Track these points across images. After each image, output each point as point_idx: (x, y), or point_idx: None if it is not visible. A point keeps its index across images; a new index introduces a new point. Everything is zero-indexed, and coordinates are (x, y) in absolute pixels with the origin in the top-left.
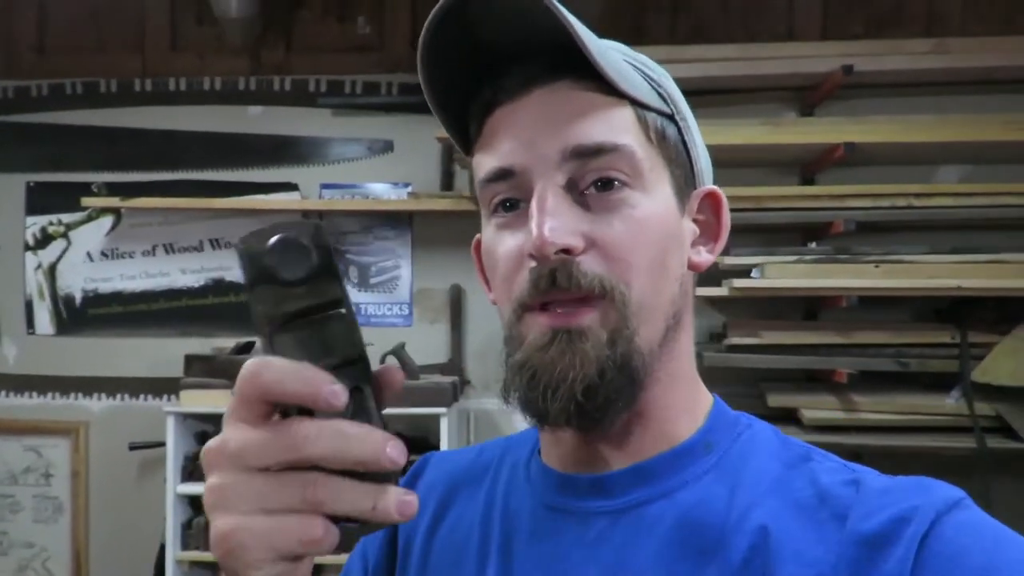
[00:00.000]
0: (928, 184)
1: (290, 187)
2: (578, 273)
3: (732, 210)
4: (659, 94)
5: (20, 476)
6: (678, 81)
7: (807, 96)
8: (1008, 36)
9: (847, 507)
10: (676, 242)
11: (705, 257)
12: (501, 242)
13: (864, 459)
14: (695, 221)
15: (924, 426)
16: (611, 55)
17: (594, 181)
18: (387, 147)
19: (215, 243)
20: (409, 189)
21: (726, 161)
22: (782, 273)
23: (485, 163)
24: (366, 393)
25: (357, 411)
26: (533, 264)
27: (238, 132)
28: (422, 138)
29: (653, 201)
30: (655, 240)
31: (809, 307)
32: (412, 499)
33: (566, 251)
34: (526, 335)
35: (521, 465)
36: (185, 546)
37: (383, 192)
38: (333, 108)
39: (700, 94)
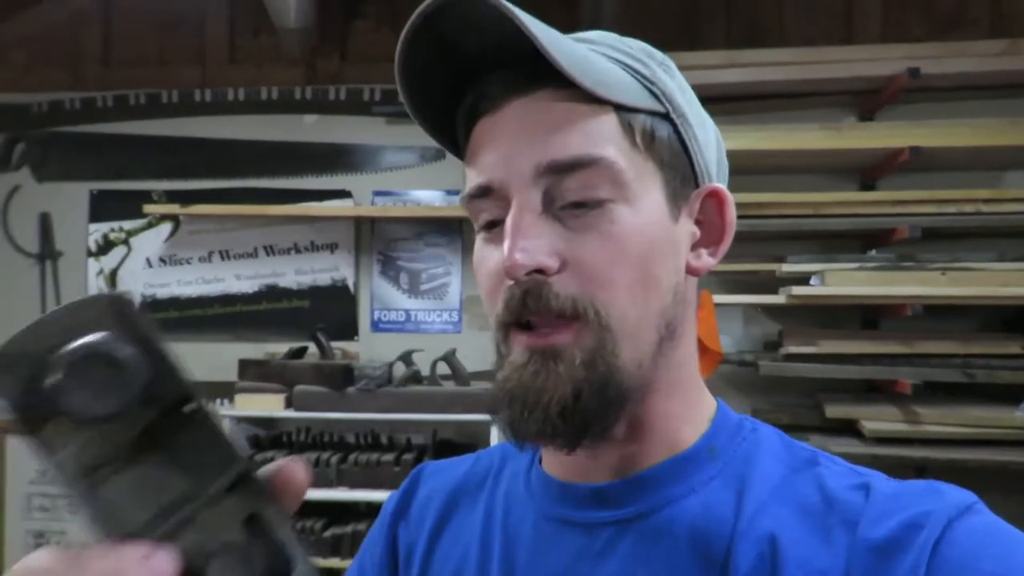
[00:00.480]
0: (997, 190)
1: (344, 194)
2: (549, 294)
3: (790, 216)
4: (651, 91)
5: None
6: (734, 87)
7: (866, 100)
8: None
9: (856, 513)
10: (667, 251)
11: (706, 261)
12: (484, 259)
13: (928, 473)
14: (698, 222)
15: (991, 439)
16: (589, 57)
17: (572, 201)
18: (439, 155)
19: (269, 250)
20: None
21: (784, 167)
22: (844, 281)
23: (469, 178)
24: (266, 516)
25: (253, 543)
26: (509, 283)
27: (293, 140)
28: None
29: (637, 212)
30: (639, 254)
31: (867, 316)
32: None
33: (540, 271)
34: (509, 353)
35: (521, 474)
36: None
37: (434, 199)
38: (387, 116)
39: (757, 98)
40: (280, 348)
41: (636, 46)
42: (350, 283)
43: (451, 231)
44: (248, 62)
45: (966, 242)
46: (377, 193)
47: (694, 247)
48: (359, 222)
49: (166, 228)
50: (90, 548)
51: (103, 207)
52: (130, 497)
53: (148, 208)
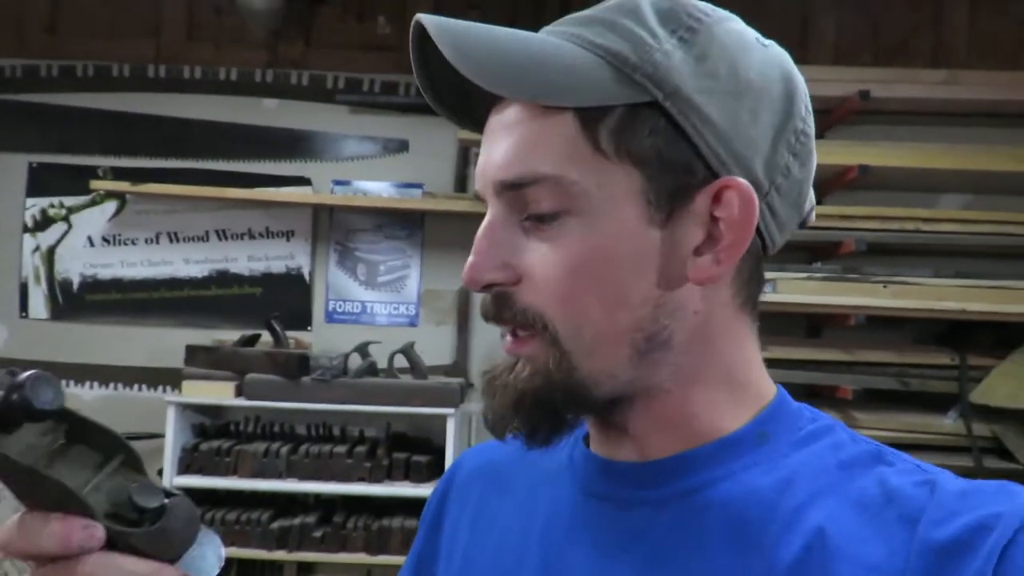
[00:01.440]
0: (935, 210)
1: (302, 181)
2: (507, 305)
3: None
4: (631, 79)
5: None
6: None
7: (818, 119)
8: (1016, 71)
9: (919, 509)
10: (639, 263)
11: (708, 269)
12: None
13: None
14: (715, 220)
15: (924, 444)
16: (539, 59)
17: (528, 215)
18: (402, 147)
19: (221, 234)
20: (423, 189)
21: None
22: (794, 289)
23: None
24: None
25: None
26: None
27: (252, 124)
28: (437, 139)
29: (593, 227)
30: (592, 270)
31: (812, 324)
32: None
33: (498, 283)
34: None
35: (565, 452)
36: None
37: (396, 191)
38: (350, 105)
39: None
40: (229, 335)
41: (646, 11)
42: (305, 272)
43: (412, 224)
44: (207, 40)
45: (905, 258)
46: (337, 182)
47: (698, 251)
48: (317, 210)
49: (111, 206)
50: (37, 518)
51: (43, 181)
52: (63, 476)
53: (95, 184)
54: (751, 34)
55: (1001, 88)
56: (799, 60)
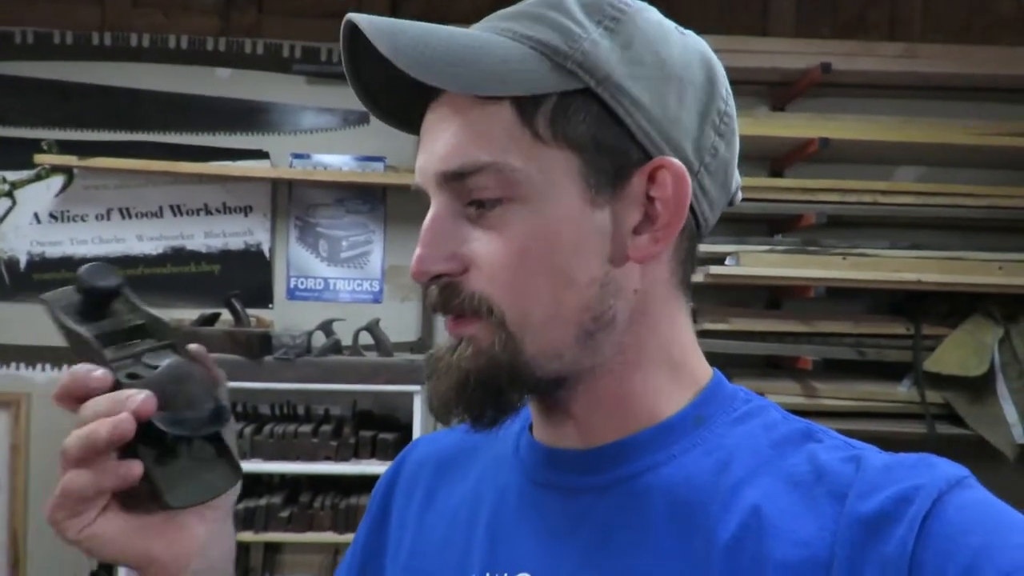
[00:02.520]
0: (892, 182)
1: (260, 155)
2: (455, 293)
3: None
4: (563, 68)
5: None
6: None
7: (779, 92)
8: (968, 45)
9: (846, 485)
10: (583, 244)
11: (646, 248)
12: None
13: None
14: (651, 199)
15: (879, 412)
16: (472, 50)
17: (470, 203)
18: (362, 119)
19: (176, 210)
20: (385, 163)
21: None
22: (756, 262)
23: None
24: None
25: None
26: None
27: (205, 94)
28: None
29: (537, 211)
30: (538, 254)
31: (772, 296)
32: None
33: (446, 274)
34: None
35: (511, 440)
36: None
37: (357, 165)
38: (307, 76)
39: None
40: (187, 314)
41: (570, 4)
42: (265, 248)
43: (374, 198)
44: (154, 6)
45: (863, 231)
46: (296, 156)
47: (637, 231)
48: (276, 185)
49: (58, 181)
50: (96, 371)
51: None
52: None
53: (39, 158)
54: (669, 23)
55: (956, 61)
56: (760, 32)
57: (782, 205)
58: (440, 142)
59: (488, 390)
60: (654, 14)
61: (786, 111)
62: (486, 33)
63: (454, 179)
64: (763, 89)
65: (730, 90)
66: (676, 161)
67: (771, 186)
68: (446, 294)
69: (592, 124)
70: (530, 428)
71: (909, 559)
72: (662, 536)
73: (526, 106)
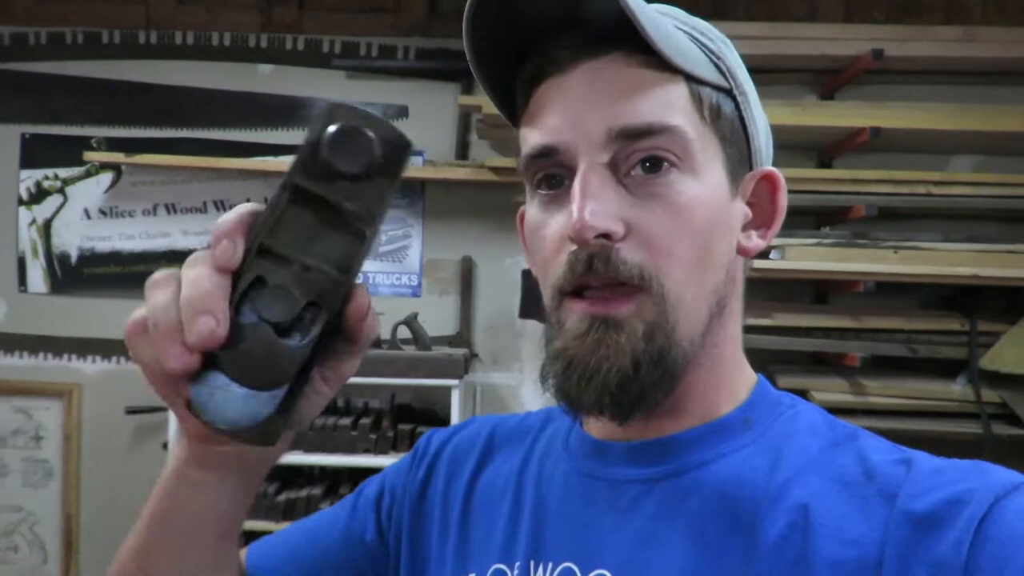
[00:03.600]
0: (946, 172)
1: None
2: (617, 260)
3: None
4: (716, 66)
5: (9, 438)
6: None
7: (828, 79)
8: None
9: (897, 485)
10: (724, 228)
11: (755, 242)
12: (543, 222)
13: None
14: (749, 204)
15: (931, 411)
16: (664, 24)
17: (640, 162)
18: (401, 113)
19: (220, 205)
20: (423, 157)
21: None
22: (803, 255)
23: (530, 139)
24: (318, 315)
25: (296, 325)
26: (573, 247)
27: (247, 91)
28: (438, 105)
29: (702, 185)
30: (700, 228)
31: (819, 291)
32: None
33: (606, 236)
34: (564, 321)
35: (561, 434)
36: None
37: None
38: (347, 71)
39: None
40: None
41: (700, 21)
42: None
43: (412, 193)
44: (198, 4)
45: (915, 223)
46: None
47: (745, 227)
48: None
49: (106, 178)
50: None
51: (36, 152)
52: (294, 223)
53: (89, 155)
54: None
55: (1017, 45)
56: (808, 18)
57: (830, 197)
58: (612, 97)
59: (662, 372)
60: None
61: (835, 99)
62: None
63: (632, 137)
64: (810, 77)
65: None
66: (779, 173)
67: (819, 177)
68: (602, 259)
69: (731, 122)
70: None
71: (964, 562)
72: (709, 532)
73: (694, 88)
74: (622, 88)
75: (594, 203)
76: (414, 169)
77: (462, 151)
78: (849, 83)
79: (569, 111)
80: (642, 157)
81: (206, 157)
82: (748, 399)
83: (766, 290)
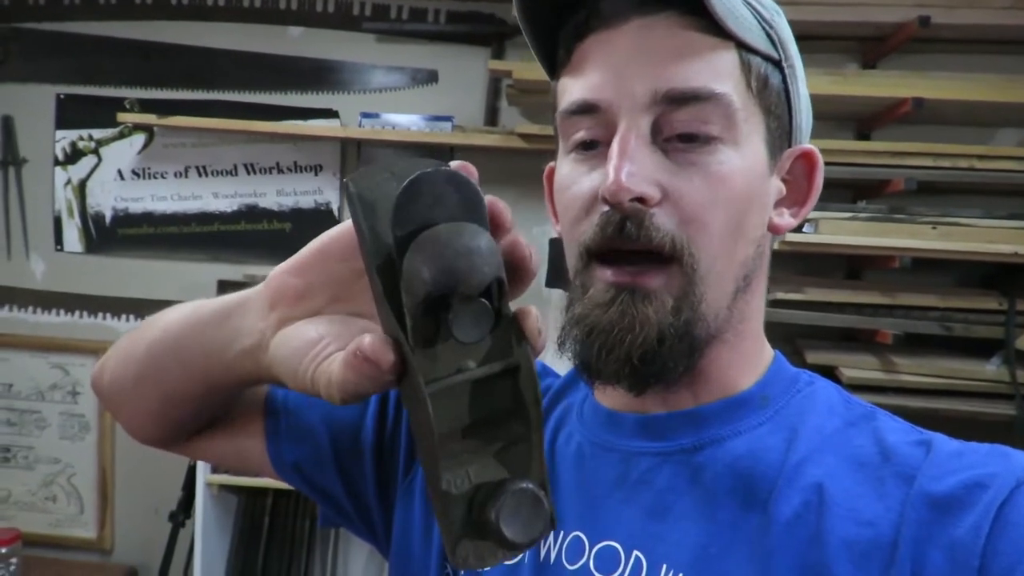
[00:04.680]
0: (990, 146)
1: (330, 114)
2: (650, 225)
3: None
4: (768, 36)
5: (47, 393)
6: None
7: (871, 47)
8: None
9: (915, 467)
10: (758, 202)
11: (787, 220)
12: (575, 180)
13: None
14: (784, 180)
15: (963, 390)
16: None
17: (681, 132)
18: (431, 77)
19: (250, 168)
20: (453, 123)
21: None
22: (836, 230)
23: (570, 92)
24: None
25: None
26: (605, 208)
27: (277, 53)
28: (468, 70)
29: (741, 157)
30: (735, 200)
31: (852, 266)
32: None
33: (641, 200)
34: (589, 287)
35: (575, 405)
36: (215, 469)
37: (425, 125)
38: (377, 34)
39: None
40: (260, 270)
41: None
42: (334, 207)
43: (441, 158)
44: None
45: (954, 198)
46: (364, 115)
47: (777, 205)
48: (345, 144)
49: (139, 139)
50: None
51: (71, 113)
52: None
53: (122, 117)
54: None
55: None
56: None
57: (868, 170)
58: (661, 58)
59: (686, 346)
60: None
61: (877, 68)
62: None
63: (677, 101)
64: (853, 45)
65: None
66: (817, 152)
67: (856, 149)
68: (635, 222)
69: (776, 95)
70: (592, 390)
71: (983, 546)
72: (722, 507)
73: (744, 56)
74: (672, 49)
75: (631, 165)
76: (443, 135)
77: (491, 117)
78: (893, 52)
79: (614, 68)
80: (684, 128)
81: (237, 120)
82: (765, 375)
83: (798, 264)
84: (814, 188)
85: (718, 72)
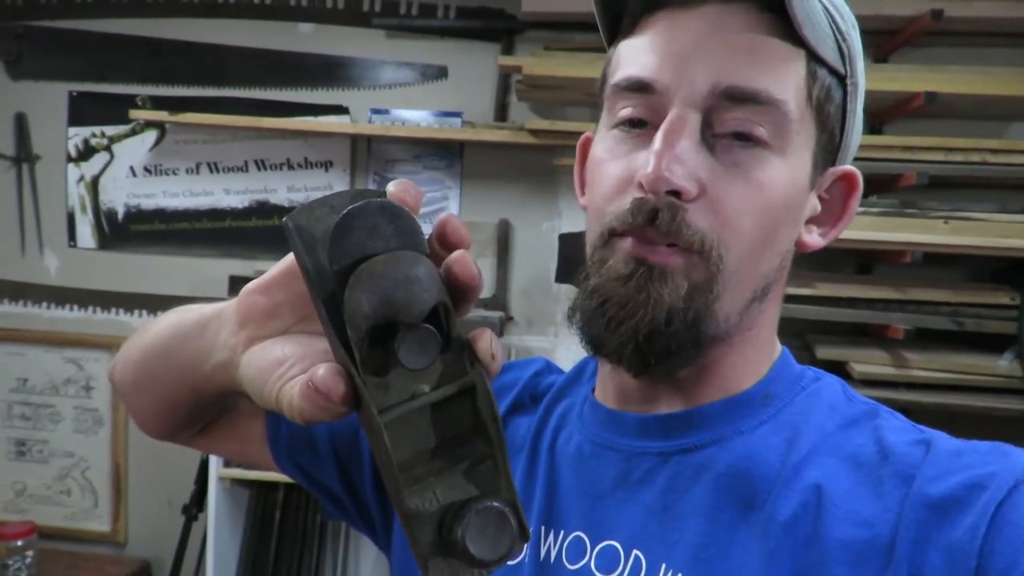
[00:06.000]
0: (1004, 140)
1: (340, 110)
2: (682, 221)
3: None
4: (840, 49)
5: (61, 387)
6: None
7: (882, 41)
8: None
9: (914, 467)
10: (793, 216)
11: (815, 239)
12: (615, 157)
13: (912, 415)
14: (820, 199)
15: (975, 386)
16: None
17: (733, 130)
18: (441, 73)
19: (260, 164)
20: (462, 119)
21: None
22: (848, 224)
23: (626, 65)
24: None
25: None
26: (639, 195)
27: (288, 50)
28: (477, 66)
29: (786, 167)
30: (772, 210)
31: (863, 261)
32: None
33: (677, 194)
34: (607, 259)
35: (576, 406)
36: (228, 463)
37: (436, 121)
38: (387, 29)
39: None
40: (271, 266)
41: None
42: None
43: (451, 154)
44: None
45: (966, 192)
46: (374, 111)
47: (809, 221)
48: (355, 140)
49: (151, 136)
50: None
51: (83, 110)
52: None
53: (134, 114)
54: None
55: None
56: None
57: (880, 164)
58: (729, 49)
59: (691, 337)
60: None
61: (889, 62)
62: None
63: (735, 98)
64: (865, 38)
65: None
66: (859, 176)
67: (868, 143)
68: (668, 215)
69: (834, 111)
70: (592, 389)
71: (979, 547)
72: (721, 508)
73: (812, 66)
74: (742, 44)
75: (675, 155)
76: (452, 131)
77: (501, 113)
78: (905, 45)
79: (678, 52)
80: (735, 127)
81: (248, 116)
82: (769, 373)
83: (808, 259)
84: (848, 212)
85: (782, 79)
